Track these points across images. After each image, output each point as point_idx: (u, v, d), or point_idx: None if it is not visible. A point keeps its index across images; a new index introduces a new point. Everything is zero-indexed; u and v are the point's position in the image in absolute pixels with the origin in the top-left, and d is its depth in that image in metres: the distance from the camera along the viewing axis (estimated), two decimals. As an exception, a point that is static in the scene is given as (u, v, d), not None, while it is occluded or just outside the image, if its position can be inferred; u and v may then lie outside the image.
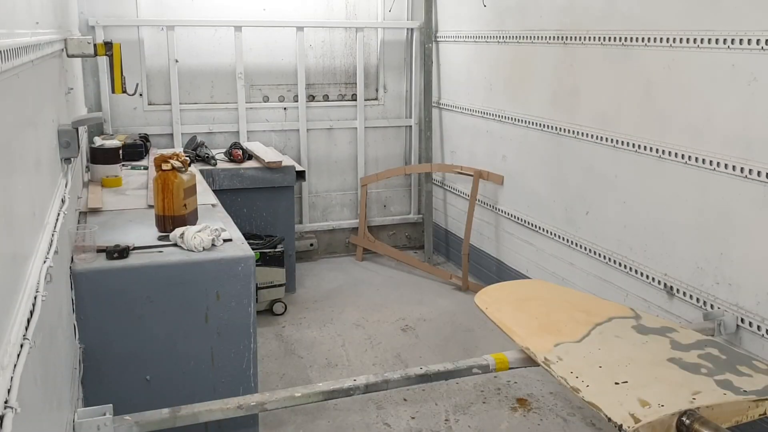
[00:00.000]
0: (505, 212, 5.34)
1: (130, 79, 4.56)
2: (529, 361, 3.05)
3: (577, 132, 4.38)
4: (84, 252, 2.84)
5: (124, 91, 4.14)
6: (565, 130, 4.50)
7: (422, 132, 6.40)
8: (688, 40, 3.48)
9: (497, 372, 3.17)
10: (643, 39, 3.76)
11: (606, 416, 2.50)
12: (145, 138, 5.33)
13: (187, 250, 3.00)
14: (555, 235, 4.71)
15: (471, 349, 4.50)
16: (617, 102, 4.01)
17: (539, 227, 4.87)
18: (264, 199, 5.27)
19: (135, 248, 2.98)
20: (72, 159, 2.82)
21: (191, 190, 3.29)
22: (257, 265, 3.34)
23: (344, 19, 6.20)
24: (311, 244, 6.31)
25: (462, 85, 5.89)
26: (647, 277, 3.87)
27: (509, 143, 5.19)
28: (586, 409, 3.57)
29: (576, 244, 4.50)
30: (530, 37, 4.81)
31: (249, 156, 5.45)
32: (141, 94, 5.60)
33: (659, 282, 3.79)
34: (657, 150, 3.72)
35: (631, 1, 3.85)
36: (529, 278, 4.98)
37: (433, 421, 3.76)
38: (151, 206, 3.48)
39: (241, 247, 3.11)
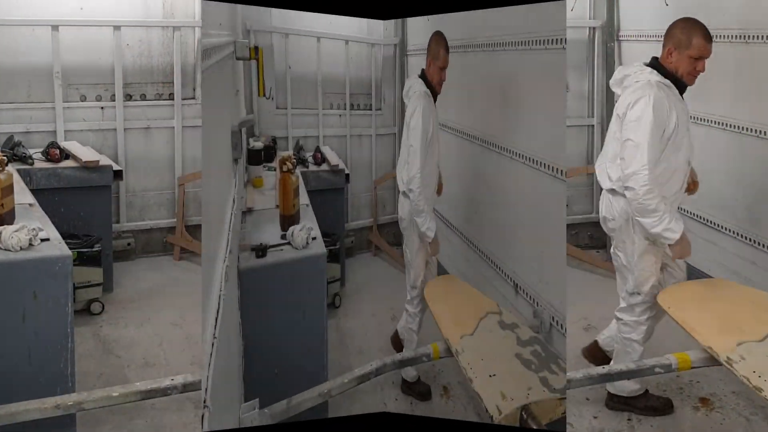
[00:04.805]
0: (688, 212, 5.00)
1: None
2: (712, 361, 3.05)
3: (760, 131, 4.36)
4: None
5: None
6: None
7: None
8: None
9: (679, 371, 3.20)
10: None
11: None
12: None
13: (4, 249, 2.99)
14: (738, 234, 4.63)
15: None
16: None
17: (721, 226, 4.74)
18: (81, 199, 5.19)
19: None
20: (237, 160, 2.76)
21: (8, 190, 3.27)
22: (74, 265, 3.37)
23: (161, 18, 6.18)
24: (129, 244, 6.22)
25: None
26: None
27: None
28: None
29: (759, 244, 4.43)
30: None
31: (66, 155, 5.37)
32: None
33: None
34: None
35: None
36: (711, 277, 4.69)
37: (616, 421, 3.68)
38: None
39: (58, 247, 3.12)
